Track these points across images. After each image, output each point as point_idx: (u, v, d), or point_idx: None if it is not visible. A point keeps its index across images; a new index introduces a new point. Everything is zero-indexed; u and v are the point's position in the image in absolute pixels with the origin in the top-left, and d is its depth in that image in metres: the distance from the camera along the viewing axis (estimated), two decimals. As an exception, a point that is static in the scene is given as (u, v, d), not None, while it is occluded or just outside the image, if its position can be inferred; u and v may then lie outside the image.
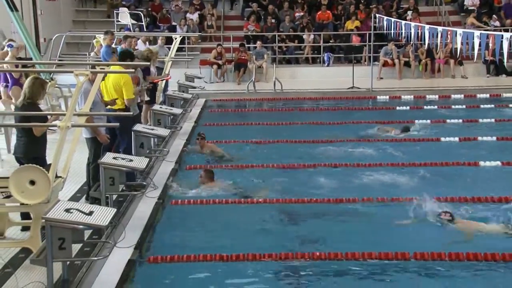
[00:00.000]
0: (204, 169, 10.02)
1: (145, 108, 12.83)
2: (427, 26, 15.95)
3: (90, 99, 7.48)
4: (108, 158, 8.01)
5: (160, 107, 12.38)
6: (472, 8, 22.78)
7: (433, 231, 7.94)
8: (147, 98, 11.75)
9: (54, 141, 7.79)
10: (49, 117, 7.91)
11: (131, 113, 9.10)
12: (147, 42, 17.11)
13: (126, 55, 9.84)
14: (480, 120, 13.98)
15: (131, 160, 8.25)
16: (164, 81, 14.57)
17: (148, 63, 10.95)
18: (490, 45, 13.81)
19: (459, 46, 13.54)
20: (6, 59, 12.03)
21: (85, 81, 7.29)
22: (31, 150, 7.27)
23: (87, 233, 7.04)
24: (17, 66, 11.63)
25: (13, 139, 8.93)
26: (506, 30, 18.55)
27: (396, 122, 14.10)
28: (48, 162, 7.21)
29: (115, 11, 22.07)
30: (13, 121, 8.03)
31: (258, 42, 20.64)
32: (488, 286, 6.81)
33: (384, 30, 19.83)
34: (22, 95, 7.42)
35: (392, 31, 19.34)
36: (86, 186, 8.81)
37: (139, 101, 10.50)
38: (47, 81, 10.02)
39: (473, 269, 6.98)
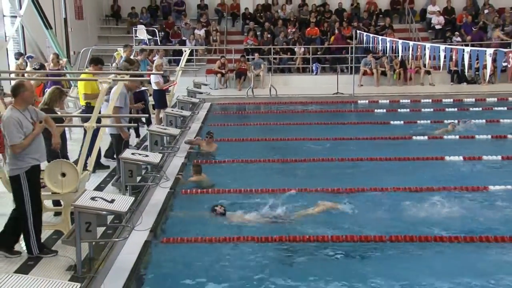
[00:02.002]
0: (193, 164, 9.82)
1: (157, 112, 12.86)
2: (400, 41, 15.95)
3: (112, 103, 7.50)
4: (127, 153, 8.00)
5: (172, 110, 12.41)
6: (438, 26, 22.76)
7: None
8: None
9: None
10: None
11: (146, 115, 9.01)
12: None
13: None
14: (445, 121, 13.95)
15: (147, 156, 8.25)
16: (174, 87, 14.58)
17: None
18: (454, 57, 13.83)
19: (427, 58, 13.54)
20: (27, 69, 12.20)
21: (107, 88, 7.29)
22: (53, 150, 7.23)
23: (109, 218, 7.02)
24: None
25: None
26: (467, 45, 18.56)
27: (375, 122, 14.11)
28: (72, 159, 7.19)
29: (133, 28, 22.02)
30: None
31: (256, 54, 20.58)
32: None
33: (364, 44, 19.83)
34: (42, 100, 7.41)
35: (371, 45, 19.34)
36: (109, 178, 8.79)
37: None
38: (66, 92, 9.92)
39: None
